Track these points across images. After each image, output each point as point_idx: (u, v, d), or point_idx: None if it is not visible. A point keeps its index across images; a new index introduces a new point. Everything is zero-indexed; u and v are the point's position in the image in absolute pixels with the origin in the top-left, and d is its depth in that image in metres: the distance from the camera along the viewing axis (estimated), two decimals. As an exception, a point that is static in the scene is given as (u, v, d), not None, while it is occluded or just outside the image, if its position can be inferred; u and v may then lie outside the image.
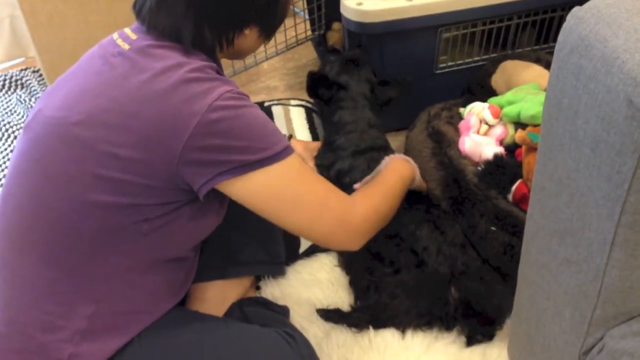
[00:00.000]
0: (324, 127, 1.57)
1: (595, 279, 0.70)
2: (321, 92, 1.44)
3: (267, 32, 1.04)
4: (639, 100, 0.56)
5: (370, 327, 1.20)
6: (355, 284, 1.30)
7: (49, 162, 0.90)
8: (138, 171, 0.86)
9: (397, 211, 1.15)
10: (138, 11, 0.96)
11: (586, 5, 0.65)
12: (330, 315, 1.24)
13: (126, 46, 0.92)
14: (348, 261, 1.34)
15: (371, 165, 1.31)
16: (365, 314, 1.23)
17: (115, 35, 0.96)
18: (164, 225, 0.92)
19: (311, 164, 1.44)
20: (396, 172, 1.22)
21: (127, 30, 0.96)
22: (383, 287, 1.22)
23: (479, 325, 1.17)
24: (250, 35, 1.01)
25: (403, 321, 1.20)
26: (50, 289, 0.90)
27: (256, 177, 0.89)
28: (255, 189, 0.91)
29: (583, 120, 0.65)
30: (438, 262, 1.21)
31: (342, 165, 1.37)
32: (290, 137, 1.47)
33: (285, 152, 0.91)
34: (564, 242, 0.75)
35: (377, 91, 1.47)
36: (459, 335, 1.19)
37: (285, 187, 0.93)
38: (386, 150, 1.39)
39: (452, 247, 1.24)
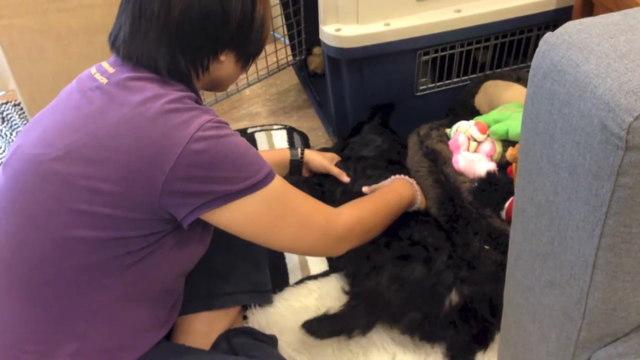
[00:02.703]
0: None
1: (579, 302, 0.70)
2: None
3: (244, 58, 1.03)
4: (612, 125, 0.56)
5: (360, 354, 1.18)
6: (356, 270, 1.27)
7: (29, 200, 0.89)
8: (120, 204, 0.86)
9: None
10: (112, 42, 0.96)
11: (558, 31, 0.66)
12: (315, 326, 1.15)
13: (104, 80, 0.92)
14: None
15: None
16: (359, 304, 1.17)
17: (93, 70, 0.96)
18: (146, 256, 0.91)
19: (334, 169, 1.45)
20: (395, 190, 1.26)
21: (105, 64, 0.96)
22: (385, 270, 1.19)
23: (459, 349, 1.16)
24: (226, 62, 1.00)
25: (396, 312, 1.17)
26: (32, 328, 0.89)
27: (240, 206, 0.90)
28: (239, 217, 0.91)
29: (559, 144, 0.65)
30: (446, 264, 1.21)
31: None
32: (304, 150, 1.46)
33: (267, 178, 0.91)
34: (546, 264, 0.75)
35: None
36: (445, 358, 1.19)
37: (268, 213, 0.93)
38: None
39: (461, 260, 1.24)
